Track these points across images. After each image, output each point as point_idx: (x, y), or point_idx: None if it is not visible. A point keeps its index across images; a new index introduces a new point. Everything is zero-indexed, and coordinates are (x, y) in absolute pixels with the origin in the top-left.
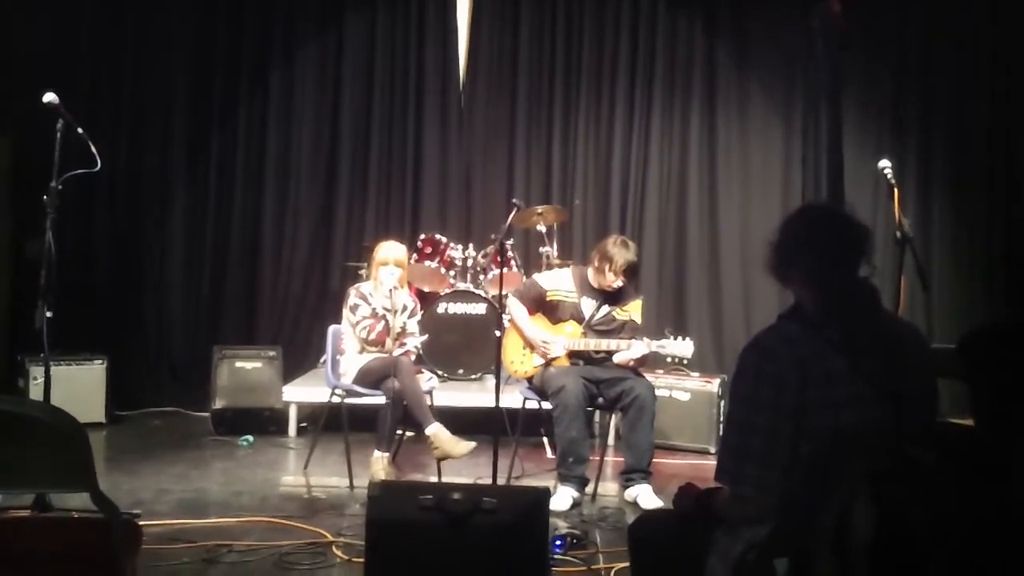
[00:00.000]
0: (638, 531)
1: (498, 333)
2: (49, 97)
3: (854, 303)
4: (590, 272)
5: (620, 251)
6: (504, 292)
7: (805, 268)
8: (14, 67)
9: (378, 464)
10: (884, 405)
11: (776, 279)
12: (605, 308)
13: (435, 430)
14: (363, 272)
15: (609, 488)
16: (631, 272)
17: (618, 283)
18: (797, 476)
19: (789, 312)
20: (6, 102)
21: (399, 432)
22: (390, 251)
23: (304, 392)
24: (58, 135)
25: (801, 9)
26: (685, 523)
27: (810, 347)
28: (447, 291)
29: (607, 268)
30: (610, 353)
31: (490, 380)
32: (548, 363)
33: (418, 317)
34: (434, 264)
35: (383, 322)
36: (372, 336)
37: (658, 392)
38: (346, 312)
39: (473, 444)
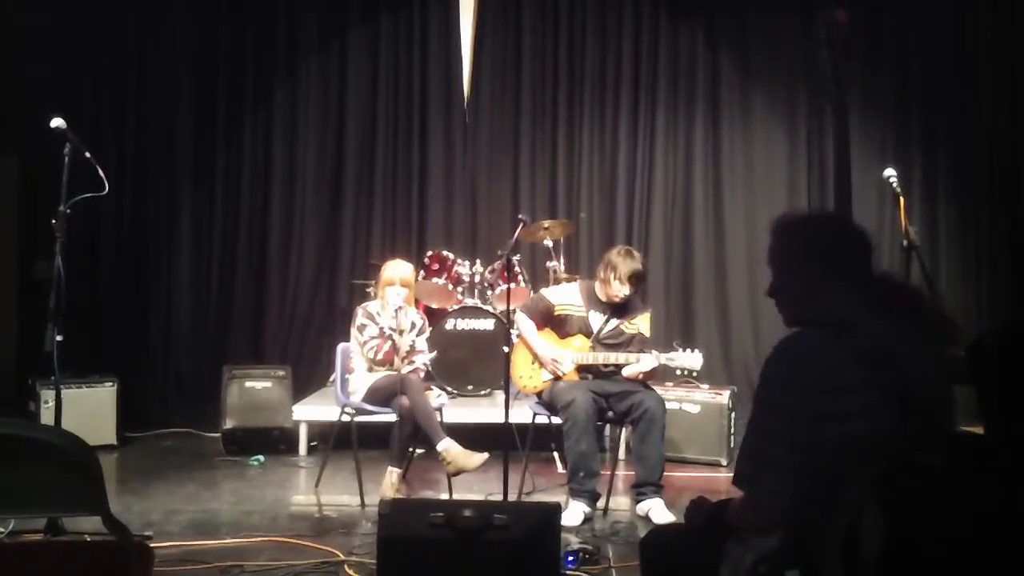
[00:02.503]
0: (650, 545)
1: (507, 349)
2: (57, 122)
3: (877, 311)
4: (597, 285)
5: (624, 260)
6: (512, 307)
7: (822, 273)
8: (19, 87)
9: (390, 479)
10: (898, 415)
11: (789, 286)
12: (613, 322)
13: (446, 445)
14: (370, 290)
15: (621, 502)
16: (636, 280)
17: (624, 292)
18: (806, 486)
19: (811, 319)
20: (12, 122)
21: (410, 449)
22: (396, 271)
23: (314, 411)
24: (66, 159)
25: (801, 16)
26: (697, 537)
27: (831, 355)
28: (455, 307)
29: (612, 277)
30: (619, 366)
31: (499, 396)
32: (557, 377)
33: (427, 335)
34: (441, 280)
35: (390, 342)
36: (379, 356)
37: (668, 405)
38: (354, 331)
39: (486, 455)
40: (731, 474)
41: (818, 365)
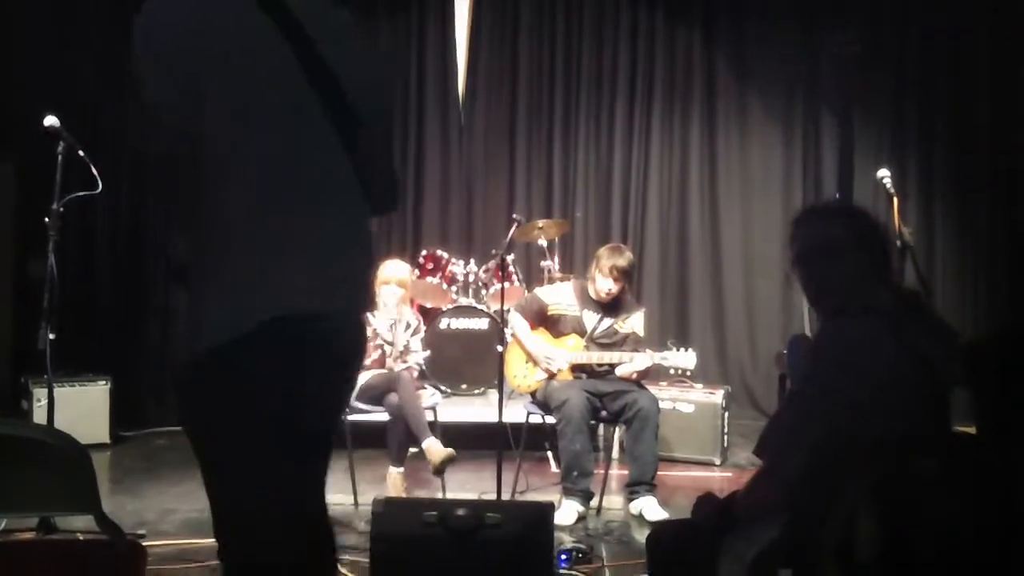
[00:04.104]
0: (656, 541)
1: (500, 348)
2: (50, 121)
3: (919, 309)
4: (590, 284)
5: (609, 253)
6: (506, 307)
7: (869, 262)
8: (15, 89)
9: (392, 479)
10: (925, 417)
11: (833, 275)
12: (607, 321)
13: (428, 444)
14: None
15: (614, 501)
16: (622, 275)
17: (608, 286)
18: (803, 485)
19: (863, 308)
20: (8, 125)
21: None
22: (393, 271)
23: None
24: (59, 158)
25: (799, 19)
26: (704, 533)
27: (887, 348)
28: (449, 306)
29: (598, 274)
30: (613, 366)
31: (493, 395)
32: (551, 377)
33: (421, 334)
34: (436, 280)
35: (379, 351)
36: (367, 363)
37: (662, 404)
38: None
39: (452, 451)
40: (724, 474)
41: (880, 356)
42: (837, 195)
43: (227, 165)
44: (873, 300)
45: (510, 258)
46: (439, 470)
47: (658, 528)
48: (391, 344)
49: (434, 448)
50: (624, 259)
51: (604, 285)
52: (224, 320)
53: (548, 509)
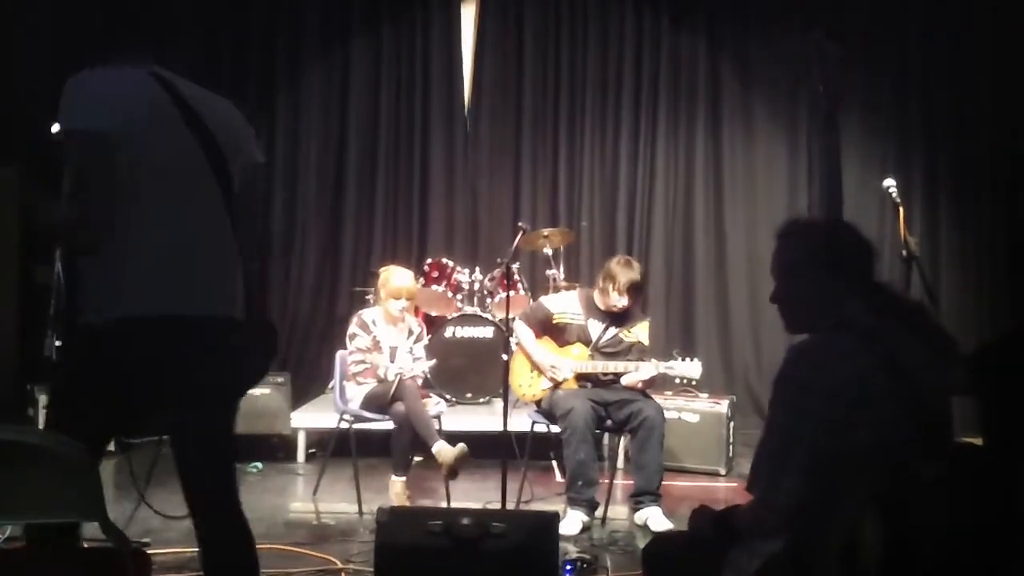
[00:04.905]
0: (653, 553)
1: (505, 357)
2: (57, 129)
3: (908, 319)
4: (596, 293)
5: (622, 270)
6: (511, 315)
7: (839, 278)
8: (16, 95)
9: (395, 488)
10: (911, 427)
11: (802, 290)
12: (612, 330)
13: (439, 447)
14: (370, 297)
15: (619, 511)
16: (634, 291)
17: (622, 302)
18: (807, 494)
19: (834, 325)
20: (9, 131)
21: (410, 457)
22: (401, 281)
23: (312, 418)
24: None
25: (803, 25)
26: (701, 545)
27: (860, 363)
28: (454, 315)
29: (611, 288)
30: (618, 375)
31: (498, 404)
32: (556, 386)
33: (425, 342)
34: (441, 288)
35: (368, 364)
36: (363, 375)
37: (667, 413)
38: (348, 340)
39: (462, 445)
40: (730, 484)
41: (848, 371)
42: (820, 202)
43: (137, 183)
44: (848, 315)
45: (515, 266)
46: (453, 471)
47: (655, 540)
48: (393, 349)
49: (445, 450)
50: (637, 273)
51: (618, 300)
52: (128, 306)
53: (553, 519)
